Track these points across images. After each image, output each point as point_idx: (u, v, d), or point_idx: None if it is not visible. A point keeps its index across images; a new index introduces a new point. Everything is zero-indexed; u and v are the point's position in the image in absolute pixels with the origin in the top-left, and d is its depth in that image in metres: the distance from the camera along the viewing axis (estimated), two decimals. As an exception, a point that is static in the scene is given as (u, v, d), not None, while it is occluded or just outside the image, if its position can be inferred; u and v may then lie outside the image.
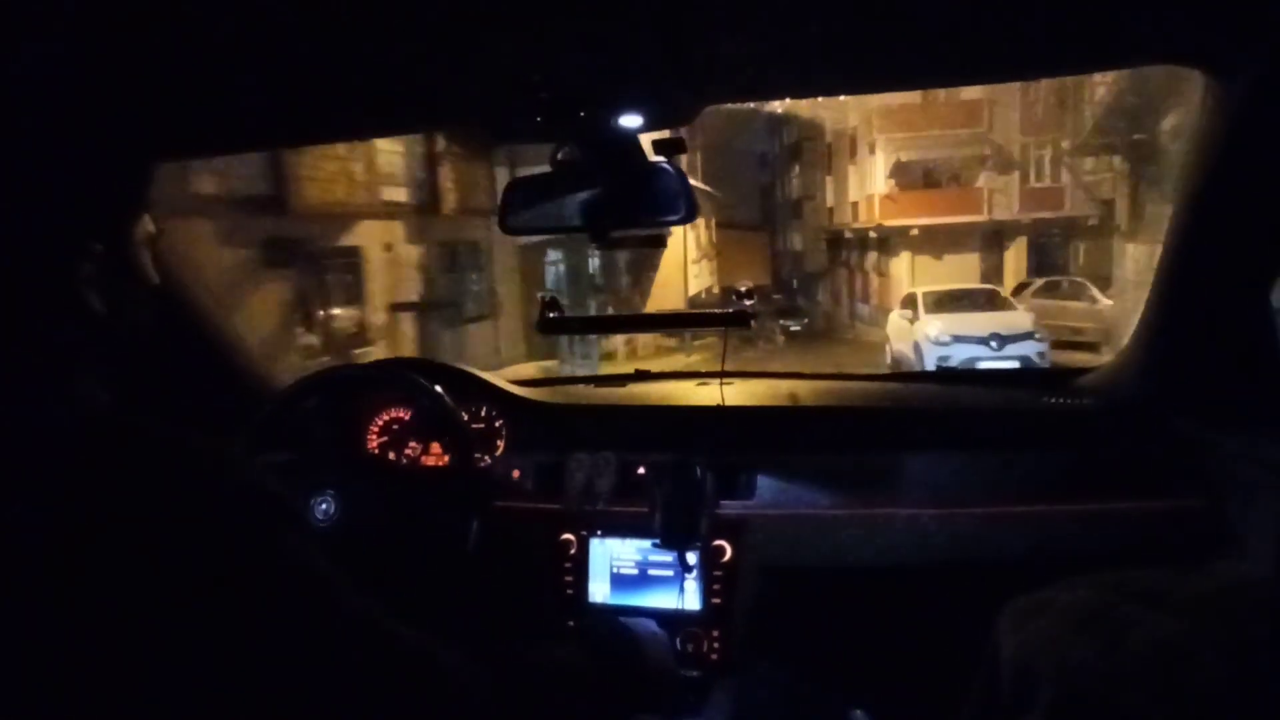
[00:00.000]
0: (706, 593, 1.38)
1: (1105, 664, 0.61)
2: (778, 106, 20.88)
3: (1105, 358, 1.51)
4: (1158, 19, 0.95)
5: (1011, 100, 19.18)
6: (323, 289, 10.32)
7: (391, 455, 1.63)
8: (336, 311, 10.47)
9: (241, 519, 0.56)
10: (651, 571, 1.41)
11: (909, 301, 13.63)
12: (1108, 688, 0.59)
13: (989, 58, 1.11)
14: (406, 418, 1.63)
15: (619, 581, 1.42)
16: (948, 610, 1.21)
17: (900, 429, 1.54)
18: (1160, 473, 1.35)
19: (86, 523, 0.51)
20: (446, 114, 1.29)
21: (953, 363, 11.14)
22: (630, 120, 1.05)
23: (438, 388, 1.44)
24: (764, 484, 1.45)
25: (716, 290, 22.74)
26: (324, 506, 1.31)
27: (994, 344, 11.24)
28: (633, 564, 1.42)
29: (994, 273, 19.72)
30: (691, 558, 1.34)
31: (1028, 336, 11.48)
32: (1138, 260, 12.05)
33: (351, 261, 10.82)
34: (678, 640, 1.34)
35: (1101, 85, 14.46)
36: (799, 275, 29.56)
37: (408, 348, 10.83)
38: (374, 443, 1.64)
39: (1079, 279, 15.88)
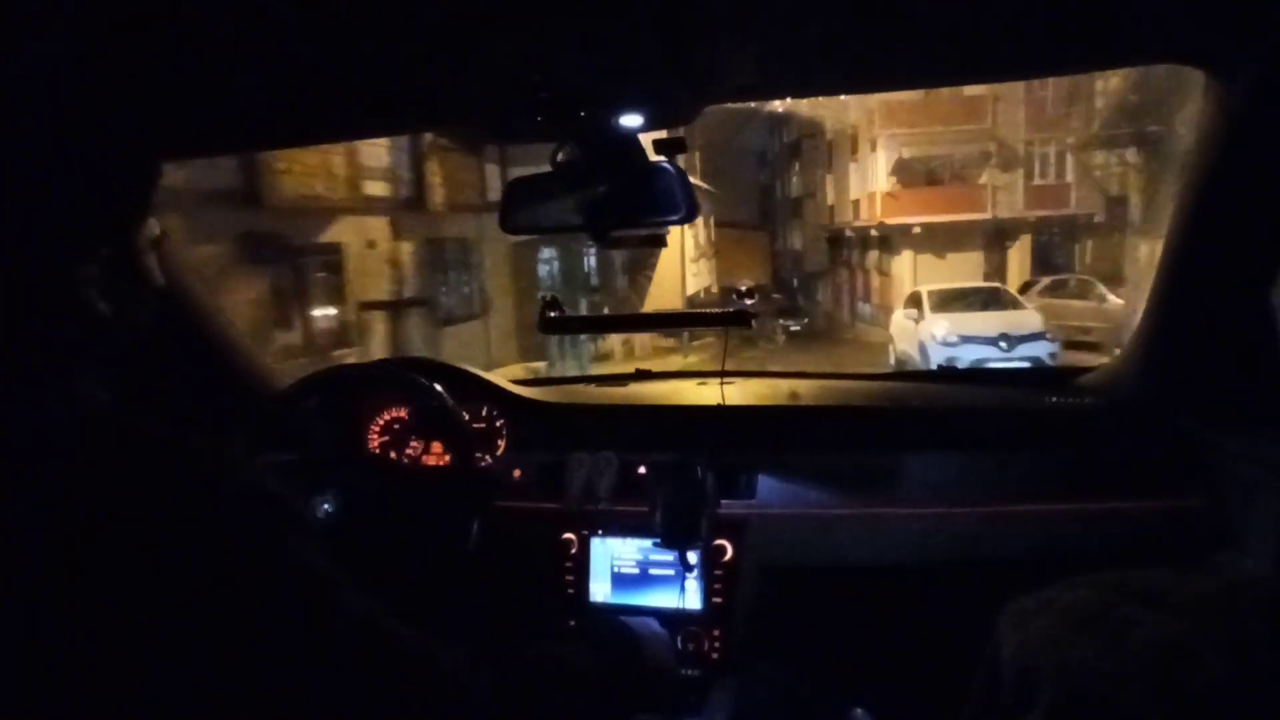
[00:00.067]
0: (707, 592, 1.38)
1: (1106, 663, 0.61)
2: (778, 105, 20.55)
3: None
4: (1159, 18, 0.95)
5: (1016, 96, 18.86)
6: (301, 287, 9.68)
7: (392, 455, 1.63)
8: (315, 311, 9.88)
9: (242, 519, 0.56)
10: (652, 571, 1.41)
11: (914, 300, 13.16)
12: (1108, 687, 0.59)
13: (990, 57, 1.11)
14: (407, 417, 1.63)
15: (620, 581, 1.42)
16: (948, 609, 1.21)
17: (901, 428, 1.54)
18: (1161, 472, 1.35)
19: (87, 523, 0.51)
20: (447, 114, 1.29)
21: (960, 364, 10.50)
22: (630, 120, 1.05)
23: (438, 387, 1.44)
24: (765, 483, 1.45)
25: (715, 290, 22.58)
26: (324, 506, 1.31)
27: (1003, 344, 10.85)
28: (633, 563, 1.42)
29: (997, 271, 19.41)
30: (692, 557, 1.34)
31: (1039, 337, 11.07)
32: (1152, 257, 11.67)
33: (332, 259, 10.21)
34: (678, 639, 1.35)
35: (1115, 76, 13.93)
36: (799, 274, 29.51)
37: (391, 349, 10.43)
38: (374, 442, 1.64)
39: (1087, 277, 15.50)
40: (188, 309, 1.49)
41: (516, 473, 1.56)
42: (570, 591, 1.44)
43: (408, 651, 0.63)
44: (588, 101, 1.00)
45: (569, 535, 1.46)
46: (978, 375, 2.47)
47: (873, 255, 22.76)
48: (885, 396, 1.73)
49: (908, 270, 20.29)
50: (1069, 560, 0.90)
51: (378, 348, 10.23)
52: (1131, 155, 15.23)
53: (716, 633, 1.37)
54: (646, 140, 1.10)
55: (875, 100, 19.90)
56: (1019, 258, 20.10)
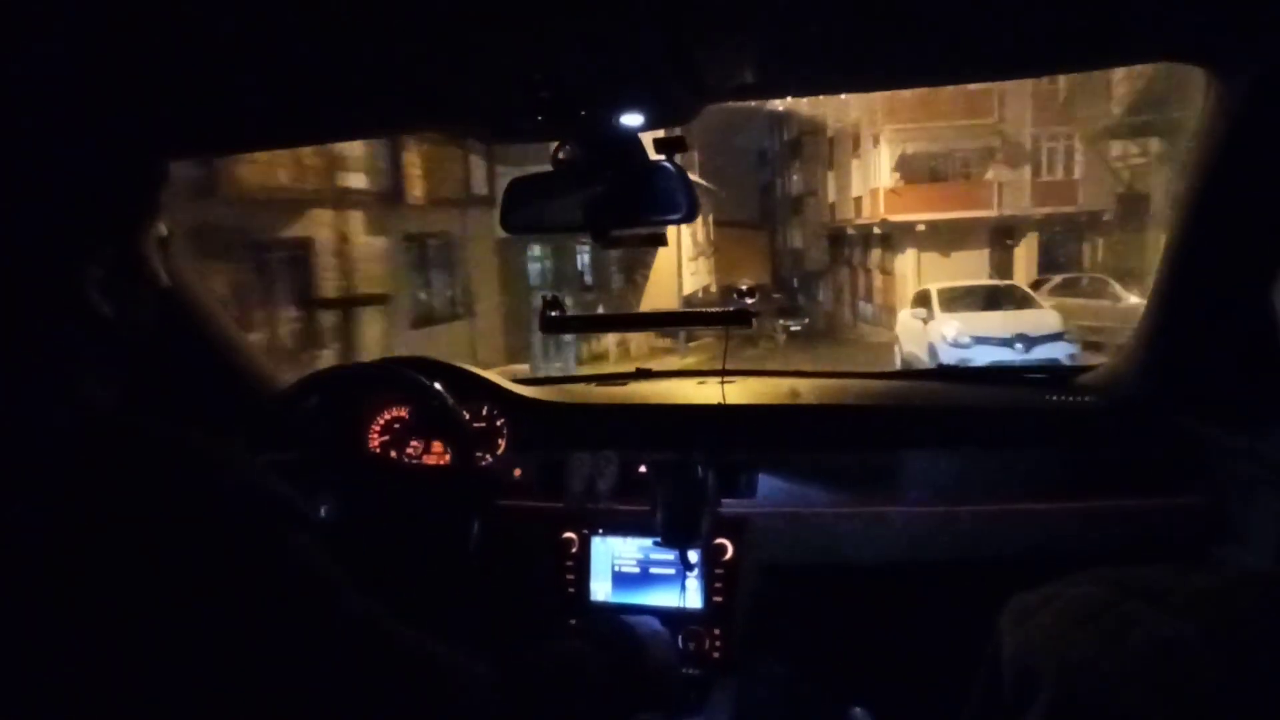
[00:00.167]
0: (708, 591, 1.38)
1: (1106, 661, 0.61)
2: (778, 103, 20.27)
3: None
4: (1159, 17, 0.95)
5: (1022, 90, 18.46)
6: (265, 285, 8.96)
7: (393, 454, 1.63)
8: (280, 312, 9.15)
9: (242, 519, 0.56)
10: (653, 570, 1.41)
11: (921, 299, 12.54)
12: (1108, 685, 0.59)
13: (991, 56, 1.11)
14: (407, 416, 1.63)
15: (620, 580, 1.42)
16: (949, 608, 1.21)
17: (901, 427, 1.54)
18: (1161, 470, 1.35)
19: (87, 523, 0.51)
20: (447, 113, 1.29)
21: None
22: (631, 119, 1.05)
23: (438, 386, 1.44)
24: (765, 482, 1.45)
25: (714, 290, 22.40)
26: (325, 505, 1.32)
27: (1019, 346, 10.15)
28: (634, 562, 1.42)
29: (1003, 270, 19.00)
30: (693, 556, 1.34)
31: (1057, 337, 10.32)
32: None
33: (299, 255, 9.44)
34: (679, 638, 1.35)
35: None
36: (799, 274, 29.45)
37: (368, 352, 9.52)
38: (375, 442, 1.64)
39: (1100, 275, 14.94)
40: (189, 309, 1.49)
41: (517, 472, 1.56)
42: (571, 591, 1.44)
43: (408, 651, 0.63)
44: (588, 100, 1.00)
45: (569, 534, 1.46)
46: (978, 374, 2.46)
47: (875, 254, 22.48)
48: (886, 395, 1.73)
49: (911, 269, 20.03)
50: (1070, 558, 0.90)
51: (350, 351, 9.50)
52: (1155, 145, 14.53)
53: (717, 632, 1.37)
54: (646, 139, 1.10)
55: (878, 95, 19.50)
56: (1026, 256, 19.76)
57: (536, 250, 14.48)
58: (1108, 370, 1.55)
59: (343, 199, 9.93)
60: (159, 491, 0.54)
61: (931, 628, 1.38)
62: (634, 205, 1.12)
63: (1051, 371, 1.75)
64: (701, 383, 1.75)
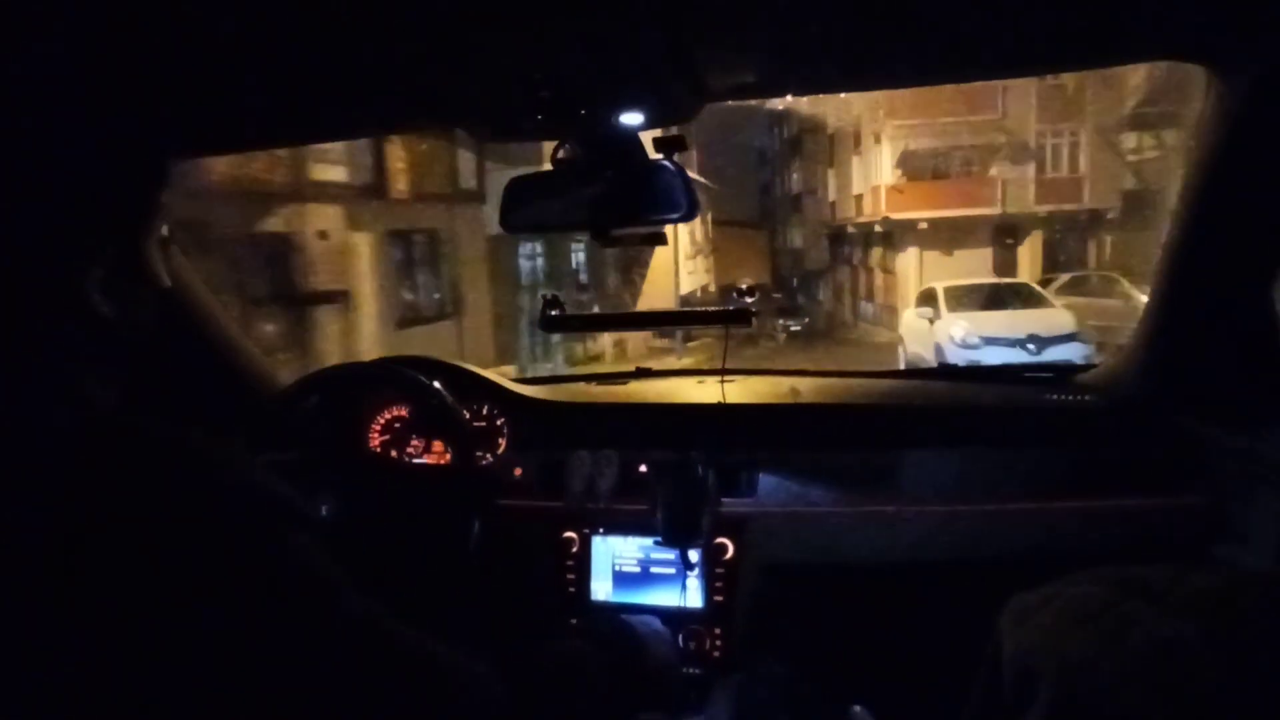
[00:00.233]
0: (708, 590, 1.38)
1: (1106, 661, 0.61)
2: (778, 101, 20.18)
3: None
4: (1160, 16, 0.94)
5: (1026, 85, 17.96)
6: (237, 283, 8.24)
7: (393, 454, 1.63)
8: (251, 310, 8.38)
9: (243, 519, 0.56)
10: (653, 569, 1.41)
11: (927, 298, 12.02)
12: (1108, 685, 0.59)
13: (991, 55, 1.11)
14: (407, 416, 1.63)
15: (621, 579, 1.43)
16: (950, 607, 1.21)
17: (902, 426, 1.54)
18: (1161, 470, 1.35)
19: (87, 523, 0.51)
20: (448, 113, 1.29)
21: (982, 369, 9.78)
22: (631, 118, 1.05)
23: (438, 385, 1.44)
24: (766, 482, 1.45)
25: (713, 289, 22.12)
26: (325, 505, 1.32)
27: (1031, 346, 9.62)
28: (635, 562, 1.42)
29: (1007, 269, 18.64)
30: (693, 555, 1.34)
31: (1070, 338, 9.76)
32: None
33: (276, 251, 8.87)
34: (680, 638, 1.35)
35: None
36: (799, 273, 29.41)
37: (344, 353, 9.09)
38: (375, 441, 1.64)
39: (1109, 273, 14.48)
40: (189, 309, 1.49)
41: (517, 471, 1.56)
42: (571, 590, 1.44)
43: (409, 651, 0.63)
44: (588, 100, 1.00)
45: (570, 534, 1.46)
46: (978, 373, 2.46)
47: (876, 252, 22.25)
48: (886, 394, 1.73)
49: (913, 267, 19.77)
50: (1070, 558, 0.90)
51: (327, 353, 8.93)
52: (1171, 136, 14.09)
53: (718, 631, 1.37)
54: (646, 138, 1.10)
55: (880, 91, 19.35)
56: (1030, 254, 19.44)
57: (529, 248, 14.01)
58: (1108, 370, 1.55)
59: (321, 193, 9.34)
60: (159, 491, 0.54)
61: (932, 627, 1.38)
62: (634, 204, 1.12)
63: (1051, 371, 1.75)
64: (701, 382, 1.75)
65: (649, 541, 1.39)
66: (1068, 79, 17.17)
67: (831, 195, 25.44)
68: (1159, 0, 0.91)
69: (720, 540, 1.39)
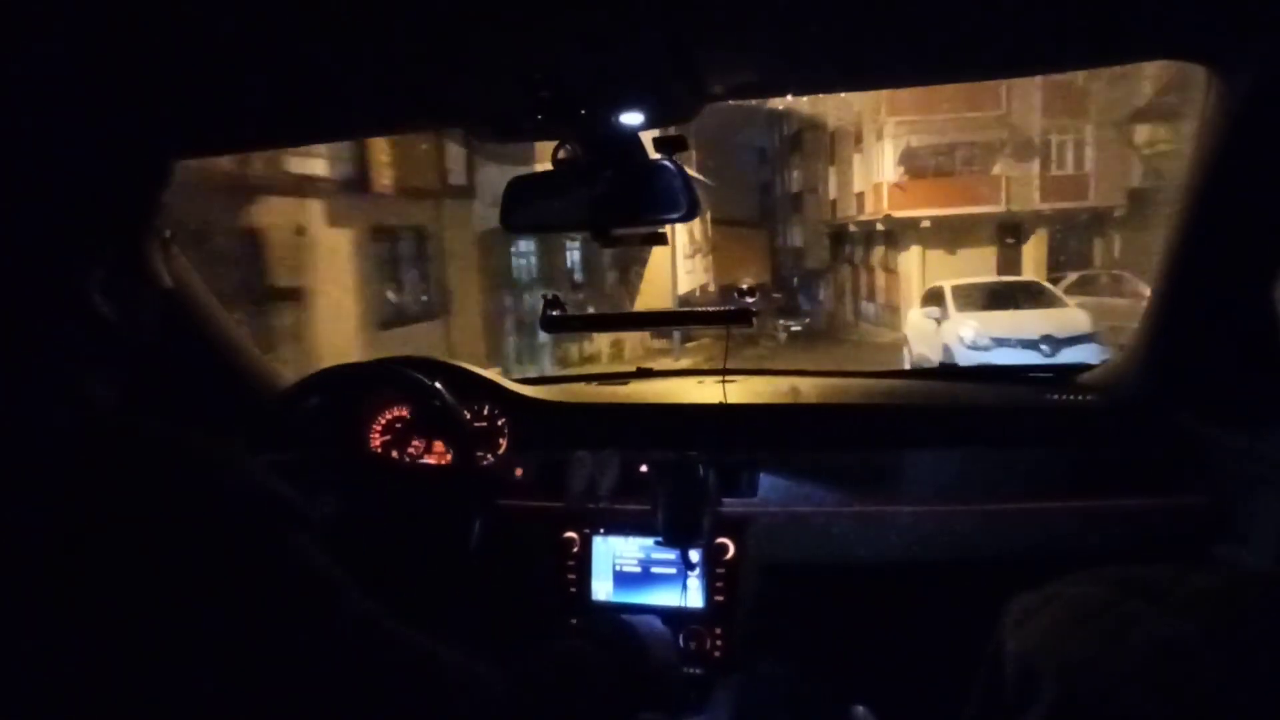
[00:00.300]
0: (709, 590, 1.38)
1: (1106, 661, 0.61)
2: (778, 99, 20.07)
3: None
4: (1161, 15, 0.94)
5: (1031, 80, 16.97)
6: (207, 281, 7.47)
7: (394, 454, 1.63)
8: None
9: (243, 519, 0.56)
10: (654, 569, 1.41)
11: (934, 297, 11.57)
12: (1109, 685, 0.59)
13: (991, 55, 1.11)
14: (408, 416, 1.64)
15: (622, 579, 1.43)
16: (950, 607, 1.21)
17: (902, 426, 1.54)
18: (1162, 469, 1.35)
19: (87, 523, 0.51)
20: (449, 113, 1.29)
21: (994, 371, 9.29)
22: (631, 118, 1.05)
23: (439, 386, 1.44)
24: (766, 482, 1.45)
25: (713, 289, 21.92)
26: (326, 505, 1.32)
27: (1045, 348, 9.17)
28: (635, 562, 1.42)
29: (1011, 268, 18.23)
30: (694, 555, 1.34)
31: (1087, 339, 9.28)
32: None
33: (246, 247, 8.29)
34: (681, 638, 1.35)
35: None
36: (800, 272, 29.36)
37: (321, 356, 8.26)
38: (376, 441, 1.64)
39: (1120, 272, 14.12)
40: (190, 309, 1.49)
41: (518, 471, 1.56)
42: (572, 590, 1.44)
43: (410, 652, 0.63)
44: (588, 100, 1.00)
45: (571, 534, 1.46)
46: (978, 373, 2.46)
47: (878, 251, 21.99)
48: (887, 394, 1.73)
49: (915, 267, 19.50)
50: (1071, 557, 0.90)
51: (303, 356, 8.31)
52: (1189, 128, 13.93)
53: (719, 631, 1.37)
54: (646, 138, 1.10)
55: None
56: (1034, 253, 19.08)
57: (522, 246, 13.56)
58: (1108, 369, 1.55)
59: (299, 187, 8.75)
60: (159, 492, 0.54)
61: (932, 627, 1.38)
62: (634, 204, 1.12)
63: (1051, 370, 1.75)
64: (702, 382, 1.75)
65: (650, 541, 1.39)
66: (1074, 73, 17.00)
67: (832, 193, 25.20)
68: (1159, 0, 0.91)
69: (721, 540, 1.39)
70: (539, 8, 0.82)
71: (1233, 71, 1.01)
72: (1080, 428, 1.46)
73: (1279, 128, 1.01)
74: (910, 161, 20.10)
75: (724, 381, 1.65)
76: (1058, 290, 11.87)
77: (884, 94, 18.75)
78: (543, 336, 12.63)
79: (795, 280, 28.86)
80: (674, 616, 1.35)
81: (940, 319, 10.85)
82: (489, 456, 1.60)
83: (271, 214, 8.59)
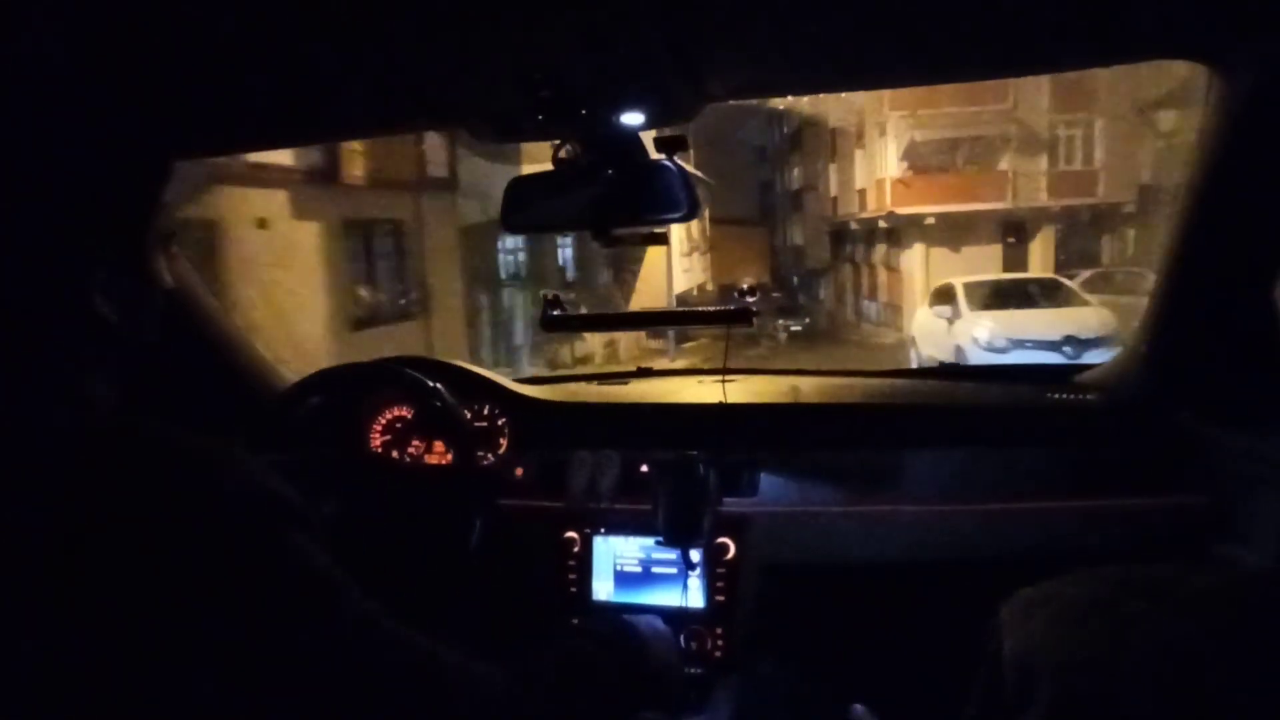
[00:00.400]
0: (710, 590, 1.38)
1: (1106, 660, 0.61)
2: (778, 100, 19.79)
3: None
4: (1161, 14, 0.94)
5: None
6: None
7: (394, 454, 1.63)
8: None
9: (243, 519, 0.56)
10: (655, 569, 1.41)
11: (943, 295, 10.97)
12: (1108, 684, 0.59)
13: (992, 54, 1.11)
14: (409, 416, 1.64)
15: (622, 579, 1.43)
16: (950, 607, 1.21)
17: (903, 425, 1.54)
18: (1163, 469, 1.35)
19: (88, 523, 0.51)
20: (449, 112, 1.29)
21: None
22: (632, 118, 1.05)
23: (439, 385, 1.44)
24: (767, 481, 1.45)
25: (711, 288, 21.68)
26: (326, 505, 1.32)
27: (1069, 349, 8.58)
28: (636, 562, 1.42)
29: (1018, 266, 17.70)
30: (695, 555, 1.34)
31: (1112, 340, 8.60)
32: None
33: (201, 240, 7.65)
34: (681, 637, 1.35)
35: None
36: (800, 272, 29.30)
37: (284, 359, 7.17)
38: (377, 441, 1.64)
39: (1136, 269, 13.75)
40: (191, 309, 1.49)
41: (519, 471, 1.56)
42: (573, 590, 1.44)
43: (410, 652, 0.63)
44: (589, 100, 1.00)
45: (571, 534, 1.46)
46: (979, 372, 2.46)
47: (880, 249, 21.71)
48: (887, 394, 1.73)
49: (919, 265, 19.19)
50: (1071, 557, 0.90)
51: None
52: None
53: (719, 630, 1.37)
54: (647, 138, 1.10)
55: (883, 84, 18.76)
56: (1041, 250, 18.74)
57: (510, 242, 12.88)
58: (1109, 369, 1.55)
59: (259, 176, 8.22)
60: (159, 492, 0.54)
61: (933, 627, 1.38)
62: (635, 204, 1.12)
63: (1052, 370, 1.75)
64: (702, 382, 1.75)
65: (650, 541, 1.39)
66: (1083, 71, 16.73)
67: (833, 190, 24.89)
68: (1159, 0, 0.91)
69: (721, 540, 1.39)
70: (539, 8, 0.82)
71: (1233, 71, 1.01)
72: (1080, 427, 1.46)
73: (1279, 128, 1.01)
74: (914, 157, 19.75)
75: (724, 381, 1.65)
76: (1078, 287, 11.31)
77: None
78: (527, 338, 12.23)
79: (795, 279, 28.81)
80: (674, 616, 1.35)
81: (951, 318, 10.34)
82: (489, 456, 1.60)
83: (228, 205, 8.02)
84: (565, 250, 14.88)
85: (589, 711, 0.84)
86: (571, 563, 1.45)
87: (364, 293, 10.35)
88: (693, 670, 1.34)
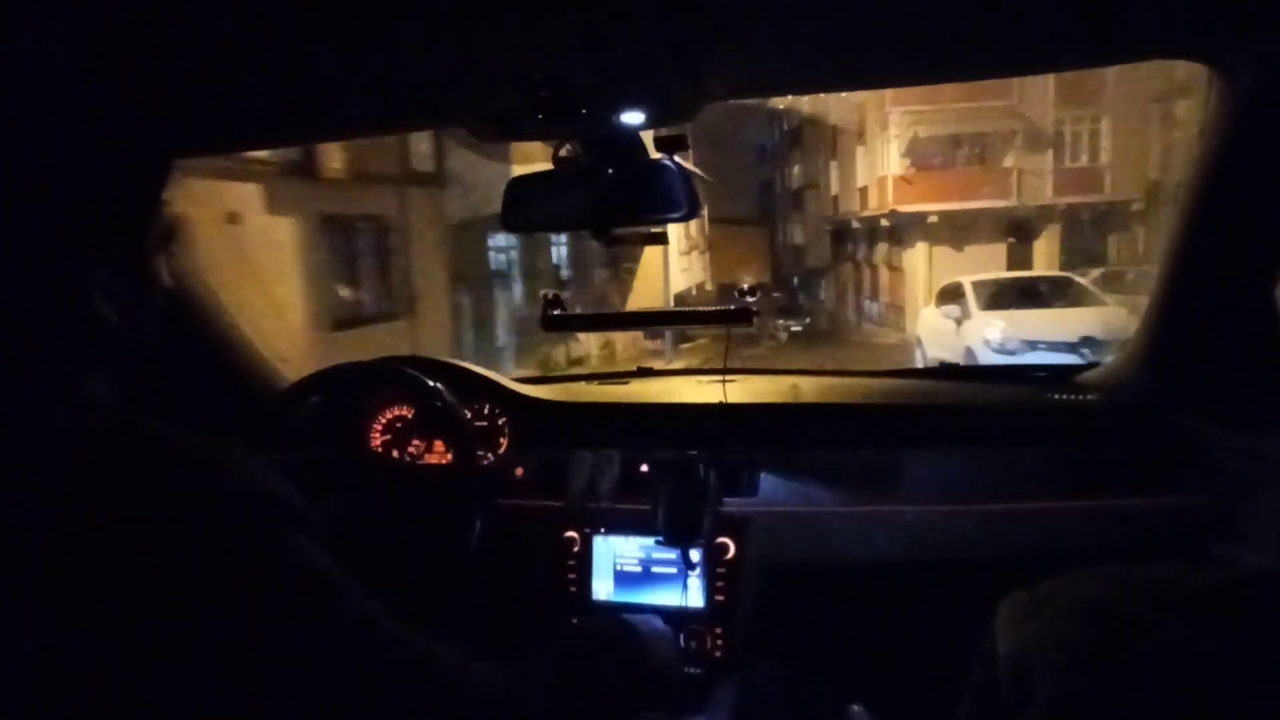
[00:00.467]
0: (710, 590, 1.38)
1: (1105, 660, 0.61)
2: (778, 99, 19.53)
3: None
4: (1162, 14, 0.94)
5: None
6: None
7: (394, 453, 1.63)
8: None
9: (243, 518, 0.56)
10: (655, 569, 1.41)
11: (952, 294, 10.59)
12: (1107, 684, 0.59)
13: (991, 54, 1.11)
14: (409, 416, 1.64)
15: (622, 579, 1.43)
16: (950, 607, 1.21)
17: (903, 426, 1.54)
18: (1163, 469, 1.35)
19: (88, 523, 0.51)
20: (449, 112, 1.29)
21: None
22: (632, 117, 1.05)
23: (440, 385, 1.44)
24: (767, 481, 1.45)
25: (710, 288, 21.36)
26: (326, 505, 1.32)
27: (1087, 351, 7.96)
28: (636, 561, 1.42)
29: (1022, 265, 17.33)
30: (695, 555, 1.34)
31: None
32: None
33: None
34: (681, 637, 1.35)
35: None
36: (800, 271, 29.23)
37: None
38: (377, 441, 1.64)
39: (1149, 268, 12.65)
40: (191, 308, 1.49)
41: (519, 471, 1.56)
42: (573, 589, 1.44)
43: (410, 651, 0.63)
44: (589, 99, 1.00)
45: (571, 533, 1.46)
46: (979, 372, 2.46)
47: (882, 248, 21.42)
48: (887, 394, 1.73)
49: (921, 264, 18.84)
50: (1071, 557, 0.90)
51: None
52: None
53: (719, 630, 1.37)
54: (647, 137, 1.10)
55: (884, 80, 18.47)
56: (1047, 249, 18.34)
57: (500, 240, 12.38)
58: (1109, 369, 1.55)
59: (232, 169, 7.92)
60: (159, 491, 0.54)
61: (932, 627, 1.38)
62: (635, 203, 1.12)
63: (1052, 370, 1.75)
64: (702, 382, 1.75)
65: (650, 541, 1.39)
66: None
67: (834, 188, 24.61)
68: (1159, 0, 0.90)
69: (721, 540, 1.39)
70: (539, 8, 0.82)
71: (1233, 71, 1.01)
72: (1080, 428, 1.46)
73: (1279, 128, 1.01)
74: (916, 153, 19.41)
75: (724, 381, 1.65)
76: (1092, 286, 10.85)
77: (889, 85, 18.32)
78: (517, 339, 11.90)
79: (796, 279, 28.75)
80: (674, 616, 1.35)
81: (960, 318, 9.95)
82: (489, 456, 1.60)
83: (195, 198, 7.56)
84: (559, 248, 14.50)
85: (589, 711, 0.84)
86: (571, 562, 1.45)
87: (345, 292, 9.99)
88: (692, 670, 1.34)
